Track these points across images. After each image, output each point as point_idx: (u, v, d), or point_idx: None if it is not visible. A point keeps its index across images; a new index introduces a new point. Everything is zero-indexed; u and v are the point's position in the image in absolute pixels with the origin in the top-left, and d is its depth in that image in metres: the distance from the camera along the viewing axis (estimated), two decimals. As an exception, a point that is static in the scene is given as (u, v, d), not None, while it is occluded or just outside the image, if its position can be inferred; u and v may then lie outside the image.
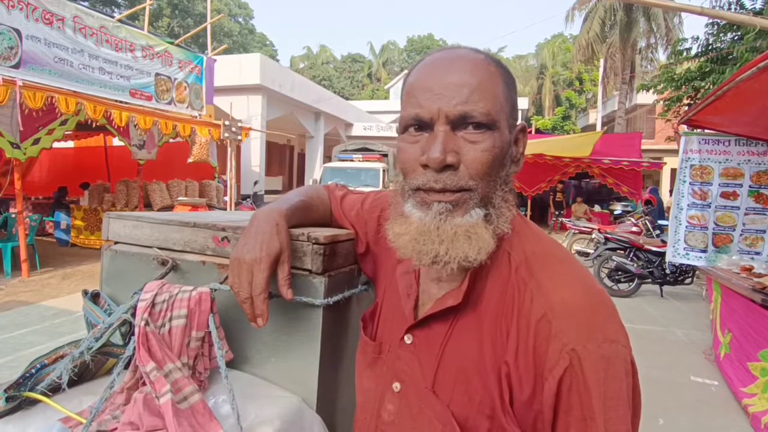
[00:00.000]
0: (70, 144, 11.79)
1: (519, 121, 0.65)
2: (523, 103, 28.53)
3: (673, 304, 6.48)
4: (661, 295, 6.79)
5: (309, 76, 39.68)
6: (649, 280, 6.65)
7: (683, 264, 5.29)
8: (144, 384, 0.67)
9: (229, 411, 0.66)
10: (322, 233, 0.78)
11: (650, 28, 18.25)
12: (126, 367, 0.69)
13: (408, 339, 0.65)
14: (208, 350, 0.73)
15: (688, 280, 6.59)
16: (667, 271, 6.53)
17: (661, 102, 12.46)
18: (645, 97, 18.14)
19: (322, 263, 0.76)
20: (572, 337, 0.53)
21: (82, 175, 10.38)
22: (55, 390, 0.69)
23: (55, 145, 8.62)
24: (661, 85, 11.33)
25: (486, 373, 0.58)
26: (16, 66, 5.91)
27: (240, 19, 40.72)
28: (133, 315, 0.72)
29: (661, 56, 18.49)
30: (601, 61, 21.46)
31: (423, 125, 0.59)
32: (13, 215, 6.62)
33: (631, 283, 6.73)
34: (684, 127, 4.70)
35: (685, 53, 10.47)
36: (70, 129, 6.75)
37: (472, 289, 0.60)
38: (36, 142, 6.25)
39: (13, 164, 6.35)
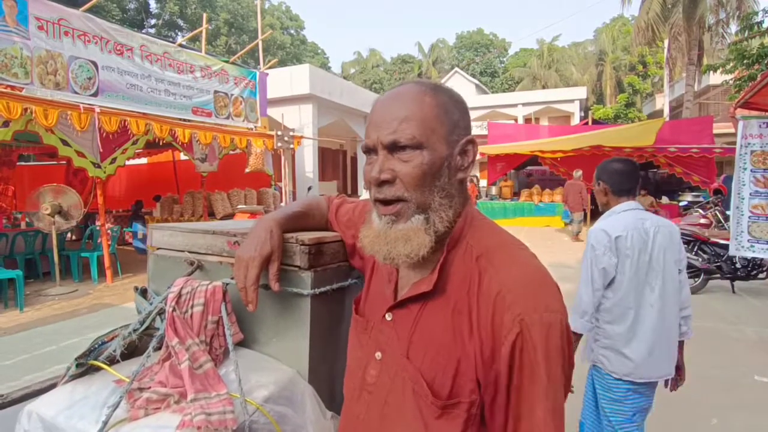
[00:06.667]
0: (144, 160, 12.94)
1: (470, 134, 0.78)
2: (581, 92, 27.20)
3: (747, 301, 6.02)
4: (733, 291, 6.32)
5: (360, 80, 40.29)
6: (718, 275, 6.20)
7: (756, 257, 4.91)
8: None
9: (235, 377, 0.84)
10: (308, 236, 0.94)
11: (719, 2, 16.79)
12: (161, 343, 0.90)
13: (389, 317, 0.80)
14: (222, 331, 0.92)
15: (762, 275, 6.07)
16: (738, 266, 6.06)
17: (732, 82, 11.47)
18: (719, 78, 16.70)
19: (308, 260, 0.93)
20: (522, 308, 0.66)
21: (155, 188, 11.36)
22: (112, 361, 0.91)
23: (131, 162, 9.50)
24: (731, 64, 10.45)
25: (452, 343, 0.72)
26: (95, 94, 6.68)
27: (292, 31, 42.26)
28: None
29: (735, 31, 16.96)
30: (665, 41, 20.02)
31: (371, 151, 0.75)
32: (98, 227, 7.44)
33: (696, 279, 6.28)
34: (741, 111, 4.41)
35: (756, 27, 9.62)
36: (140, 148, 7.48)
37: (441, 277, 0.74)
38: (113, 161, 7.00)
39: (95, 182, 7.12)
